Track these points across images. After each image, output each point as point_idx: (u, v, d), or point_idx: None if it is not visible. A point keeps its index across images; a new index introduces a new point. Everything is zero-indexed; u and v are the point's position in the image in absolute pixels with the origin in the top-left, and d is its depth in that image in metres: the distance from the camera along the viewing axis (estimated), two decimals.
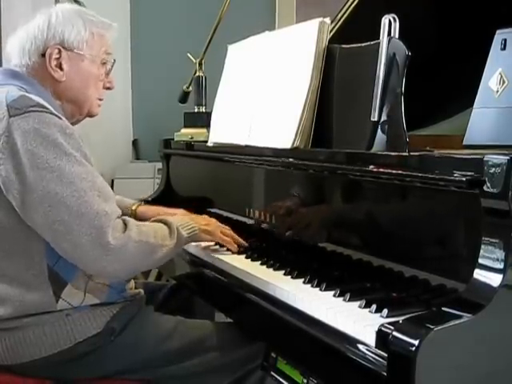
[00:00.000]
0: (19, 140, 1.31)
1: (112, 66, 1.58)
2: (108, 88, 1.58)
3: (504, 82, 1.32)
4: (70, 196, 1.29)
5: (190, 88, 2.35)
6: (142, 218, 1.65)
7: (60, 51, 1.46)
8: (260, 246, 1.64)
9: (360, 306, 1.15)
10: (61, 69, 1.47)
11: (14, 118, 1.33)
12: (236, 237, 1.62)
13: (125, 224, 1.36)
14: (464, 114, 1.63)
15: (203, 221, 1.58)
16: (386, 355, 0.99)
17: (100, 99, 1.57)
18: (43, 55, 1.46)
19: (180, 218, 1.55)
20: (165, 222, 1.46)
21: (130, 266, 1.36)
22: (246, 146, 1.69)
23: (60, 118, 1.37)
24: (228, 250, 1.61)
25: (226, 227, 1.63)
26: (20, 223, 1.34)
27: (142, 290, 1.60)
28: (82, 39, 1.48)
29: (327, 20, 1.54)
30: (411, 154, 1.20)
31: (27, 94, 1.38)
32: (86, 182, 1.32)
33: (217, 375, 1.49)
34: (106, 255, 1.30)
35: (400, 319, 1.01)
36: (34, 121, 1.32)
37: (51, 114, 1.36)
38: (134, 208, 1.78)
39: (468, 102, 1.47)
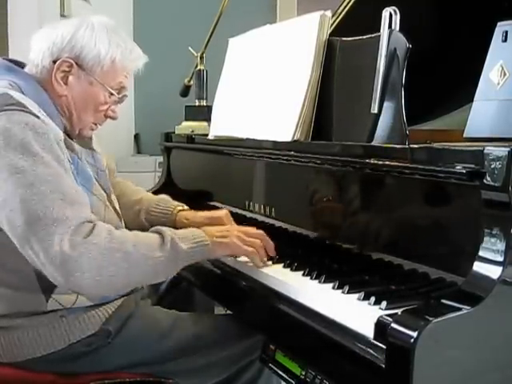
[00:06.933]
0: None
1: (121, 100, 1.47)
2: (110, 117, 1.49)
3: (505, 74, 1.31)
4: (30, 200, 1.19)
5: (192, 82, 2.36)
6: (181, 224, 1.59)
7: (71, 66, 1.38)
8: None
9: (359, 299, 1.14)
10: (65, 83, 1.39)
11: None
12: (268, 245, 1.40)
13: (92, 229, 1.21)
14: (464, 109, 1.63)
15: (219, 232, 1.37)
16: (384, 347, 0.98)
17: (96, 124, 1.49)
18: (54, 62, 1.39)
19: (191, 229, 1.36)
20: (159, 232, 1.30)
21: (103, 279, 1.18)
22: (247, 139, 1.69)
23: (38, 117, 1.28)
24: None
25: (257, 232, 1.41)
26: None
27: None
28: (99, 63, 1.39)
29: (328, 13, 1.54)
30: (411, 146, 1.20)
31: (9, 92, 1.30)
32: (49, 184, 1.21)
33: (215, 369, 1.49)
34: (61, 266, 1.16)
35: (399, 311, 1.01)
36: (6, 119, 1.24)
37: (29, 113, 1.27)
38: (175, 211, 1.67)
39: (469, 96, 1.47)
